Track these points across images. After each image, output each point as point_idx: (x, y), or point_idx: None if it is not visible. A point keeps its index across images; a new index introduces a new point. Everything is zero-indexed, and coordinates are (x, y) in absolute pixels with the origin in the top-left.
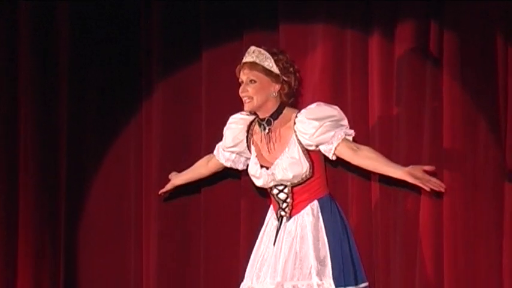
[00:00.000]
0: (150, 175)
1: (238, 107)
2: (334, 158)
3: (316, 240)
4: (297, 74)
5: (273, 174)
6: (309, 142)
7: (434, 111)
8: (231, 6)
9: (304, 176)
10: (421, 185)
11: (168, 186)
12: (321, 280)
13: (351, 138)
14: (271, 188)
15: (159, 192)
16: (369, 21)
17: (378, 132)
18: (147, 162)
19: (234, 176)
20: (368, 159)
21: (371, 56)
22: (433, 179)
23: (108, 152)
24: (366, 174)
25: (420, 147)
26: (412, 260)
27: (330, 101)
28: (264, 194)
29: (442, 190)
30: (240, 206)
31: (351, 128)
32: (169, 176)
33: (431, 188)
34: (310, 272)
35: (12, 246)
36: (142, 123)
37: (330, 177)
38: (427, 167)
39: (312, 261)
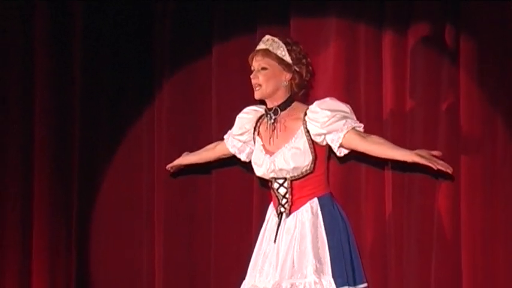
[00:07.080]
0: (162, 169)
1: (248, 99)
2: (340, 153)
3: (315, 238)
4: (310, 67)
5: (274, 161)
6: (320, 131)
7: (450, 107)
8: (243, 1)
9: (304, 169)
10: (430, 164)
11: (175, 163)
12: (318, 278)
13: (361, 129)
14: (271, 182)
15: (167, 167)
16: (383, 16)
17: (391, 128)
18: (159, 155)
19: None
20: (375, 144)
21: (384, 51)
22: (441, 162)
23: (120, 148)
24: (379, 168)
25: (435, 143)
26: (428, 254)
27: (342, 96)
28: None
29: (450, 172)
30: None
31: (363, 123)
32: (182, 155)
33: (438, 168)
34: (308, 270)
35: (28, 241)
36: (154, 118)
37: (343, 172)
38: (435, 152)
39: (310, 260)
